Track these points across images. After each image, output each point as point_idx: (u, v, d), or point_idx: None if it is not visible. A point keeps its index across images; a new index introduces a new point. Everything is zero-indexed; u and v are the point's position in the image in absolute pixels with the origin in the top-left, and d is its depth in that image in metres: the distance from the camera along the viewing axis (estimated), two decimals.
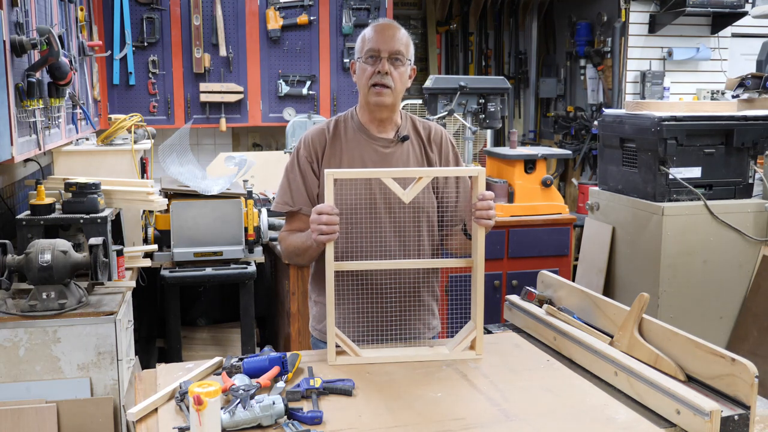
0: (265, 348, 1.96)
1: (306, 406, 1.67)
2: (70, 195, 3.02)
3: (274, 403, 1.59)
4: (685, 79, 5.68)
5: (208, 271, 3.83)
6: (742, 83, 4.27)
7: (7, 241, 2.61)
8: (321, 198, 1.96)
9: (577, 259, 4.15)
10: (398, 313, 2.14)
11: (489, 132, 5.16)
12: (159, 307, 4.52)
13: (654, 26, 5.55)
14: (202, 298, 4.67)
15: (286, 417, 1.61)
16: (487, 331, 2.28)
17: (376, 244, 2.09)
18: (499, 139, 6.47)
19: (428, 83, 4.19)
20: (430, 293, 2.25)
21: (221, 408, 1.55)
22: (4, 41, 2.36)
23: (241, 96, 5.16)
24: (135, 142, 3.80)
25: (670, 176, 3.44)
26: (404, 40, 2.10)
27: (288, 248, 2.18)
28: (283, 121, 5.11)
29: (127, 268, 3.17)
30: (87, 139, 3.98)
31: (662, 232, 3.40)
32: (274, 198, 2.29)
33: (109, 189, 3.25)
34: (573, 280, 3.27)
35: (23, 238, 2.91)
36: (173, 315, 3.87)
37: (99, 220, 3.00)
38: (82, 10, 3.89)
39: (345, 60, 5.30)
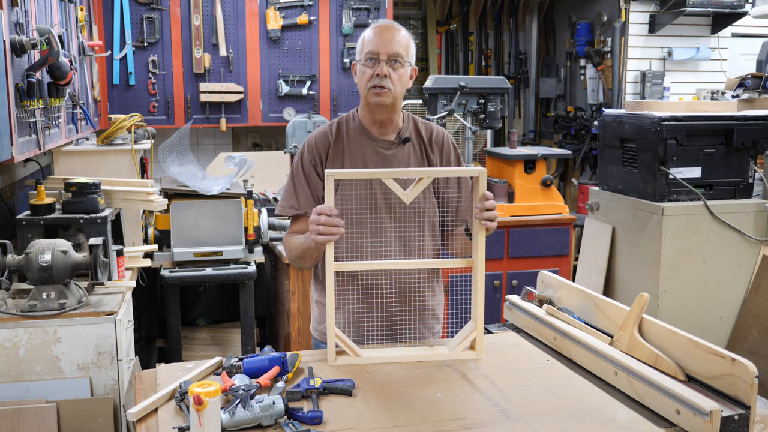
0: (265, 348, 1.96)
1: (306, 406, 1.68)
2: (70, 195, 3.02)
3: (274, 403, 1.59)
4: (685, 79, 5.68)
5: (208, 271, 3.83)
6: (742, 83, 4.26)
7: (7, 241, 2.61)
8: (324, 200, 1.95)
9: (577, 259, 4.15)
10: (399, 314, 2.14)
11: (489, 132, 5.16)
12: (159, 307, 4.52)
13: (654, 26, 5.55)
14: (202, 298, 4.67)
15: (286, 417, 1.61)
16: (487, 331, 2.28)
17: (377, 245, 2.09)
18: (499, 139, 6.47)
19: (428, 83, 4.19)
20: (433, 296, 2.24)
21: (221, 408, 1.55)
22: (4, 41, 2.36)
23: (241, 96, 5.16)
24: (135, 142, 3.80)
25: (670, 176, 3.44)
26: (404, 41, 2.10)
27: (291, 251, 2.18)
28: (283, 121, 5.11)
29: (127, 268, 3.17)
30: (87, 139, 3.98)
31: (662, 232, 3.40)
32: (275, 200, 2.29)
33: (109, 189, 3.25)
34: (573, 280, 3.27)
35: (23, 238, 2.91)
36: (173, 315, 3.87)
37: (99, 220, 3.00)
38: (82, 10, 3.89)
39: (345, 60, 5.30)
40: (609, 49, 5.69)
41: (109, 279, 2.81)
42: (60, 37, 2.80)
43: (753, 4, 5.36)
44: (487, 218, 1.92)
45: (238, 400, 1.59)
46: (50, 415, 2.52)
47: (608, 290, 3.76)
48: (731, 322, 3.56)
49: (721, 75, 5.68)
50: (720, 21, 5.57)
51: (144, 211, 3.86)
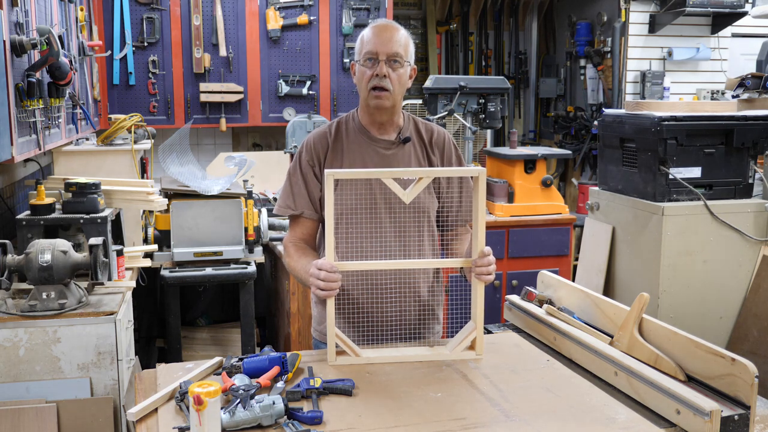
0: (265, 348, 1.96)
1: (306, 406, 1.68)
2: (70, 195, 3.02)
3: (274, 403, 1.59)
4: (685, 79, 5.69)
5: (208, 271, 3.83)
6: (742, 83, 4.26)
7: (7, 241, 2.61)
8: (323, 201, 1.95)
9: (577, 259, 4.15)
10: (399, 314, 2.14)
11: (489, 132, 5.17)
12: (159, 307, 4.52)
13: (654, 26, 5.55)
14: (202, 298, 4.67)
15: (286, 417, 1.61)
16: (487, 331, 2.28)
17: (376, 246, 2.09)
18: (499, 139, 6.47)
19: (428, 83, 4.19)
20: (433, 296, 2.24)
21: (221, 408, 1.55)
22: (4, 41, 2.36)
23: (241, 96, 5.16)
24: (135, 142, 3.80)
25: (670, 176, 3.44)
26: (403, 41, 2.09)
27: (290, 270, 2.20)
28: (283, 121, 5.11)
29: (127, 268, 3.17)
30: (87, 139, 3.98)
31: (662, 232, 3.40)
32: (275, 200, 2.30)
33: (109, 189, 3.25)
34: (573, 280, 3.27)
35: (23, 238, 2.91)
36: (173, 315, 3.87)
37: (99, 220, 3.00)
38: (82, 10, 3.89)
39: (345, 60, 5.30)
40: (609, 49, 5.69)
41: (109, 279, 2.81)
42: (60, 37, 2.80)
43: (753, 4, 5.36)
44: (485, 273, 1.95)
45: (238, 400, 1.59)
46: (50, 415, 2.52)
47: (608, 290, 3.76)
48: (731, 322, 3.56)
49: (721, 75, 5.68)
50: (720, 21, 5.57)
51: (144, 211, 3.86)
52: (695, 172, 3.50)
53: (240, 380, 1.72)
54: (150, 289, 4.28)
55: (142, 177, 3.83)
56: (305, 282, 2.06)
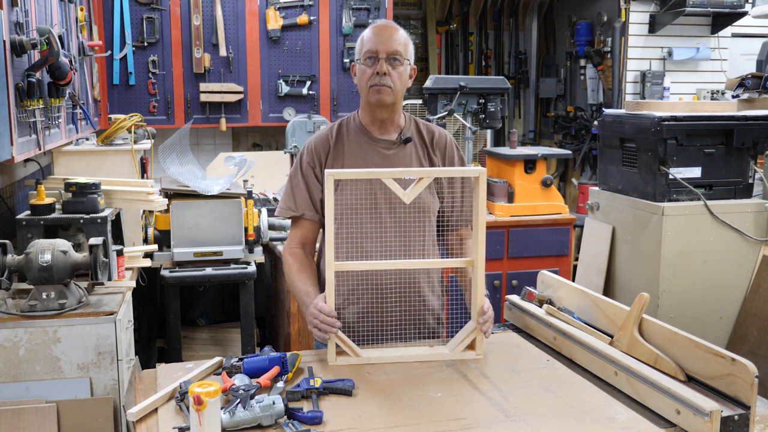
0: (265, 348, 1.96)
1: (306, 406, 1.68)
2: (70, 195, 3.02)
3: (274, 403, 1.59)
4: (685, 79, 5.69)
5: (208, 271, 3.83)
6: (742, 83, 4.26)
7: (7, 241, 2.61)
8: (323, 203, 1.95)
9: (577, 259, 4.15)
10: (399, 314, 2.14)
11: (489, 132, 5.16)
12: (159, 307, 4.52)
13: (654, 26, 5.55)
14: (202, 298, 4.67)
15: (286, 417, 1.61)
16: None
17: (378, 246, 2.09)
18: (499, 139, 6.47)
19: (428, 83, 4.19)
20: (435, 298, 2.24)
21: (221, 408, 1.55)
22: (4, 41, 2.36)
23: (241, 96, 5.16)
24: (135, 142, 3.80)
25: (670, 176, 3.44)
26: (402, 40, 2.10)
27: (289, 285, 2.21)
28: (283, 121, 5.11)
29: (127, 268, 3.17)
30: (87, 139, 3.98)
31: (662, 232, 3.40)
32: (275, 200, 2.30)
33: (109, 189, 3.25)
34: (573, 280, 3.27)
35: (23, 238, 2.91)
36: (173, 315, 3.87)
37: (99, 220, 3.00)
38: (82, 10, 3.89)
39: (345, 60, 5.30)
40: (609, 49, 5.69)
41: (109, 279, 2.81)
42: (60, 37, 2.80)
43: (753, 4, 5.36)
44: (483, 328, 1.99)
45: (238, 400, 1.59)
46: (50, 415, 2.52)
47: (608, 290, 3.76)
48: (731, 322, 3.56)
49: (721, 75, 5.68)
50: (720, 21, 5.57)
51: (144, 211, 3.86)
52: (695, 172, 3.50)
53: (240, 380, 1.72)
54: (150, 289, 4.28)
55: (142, 177, 3.83)
56: (301, 305, 2.09)
